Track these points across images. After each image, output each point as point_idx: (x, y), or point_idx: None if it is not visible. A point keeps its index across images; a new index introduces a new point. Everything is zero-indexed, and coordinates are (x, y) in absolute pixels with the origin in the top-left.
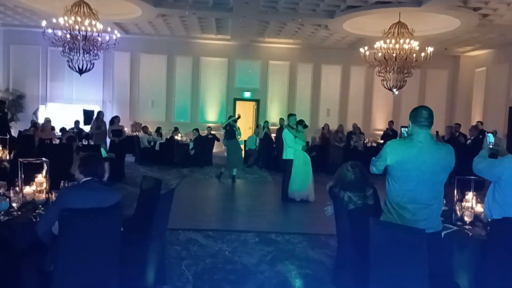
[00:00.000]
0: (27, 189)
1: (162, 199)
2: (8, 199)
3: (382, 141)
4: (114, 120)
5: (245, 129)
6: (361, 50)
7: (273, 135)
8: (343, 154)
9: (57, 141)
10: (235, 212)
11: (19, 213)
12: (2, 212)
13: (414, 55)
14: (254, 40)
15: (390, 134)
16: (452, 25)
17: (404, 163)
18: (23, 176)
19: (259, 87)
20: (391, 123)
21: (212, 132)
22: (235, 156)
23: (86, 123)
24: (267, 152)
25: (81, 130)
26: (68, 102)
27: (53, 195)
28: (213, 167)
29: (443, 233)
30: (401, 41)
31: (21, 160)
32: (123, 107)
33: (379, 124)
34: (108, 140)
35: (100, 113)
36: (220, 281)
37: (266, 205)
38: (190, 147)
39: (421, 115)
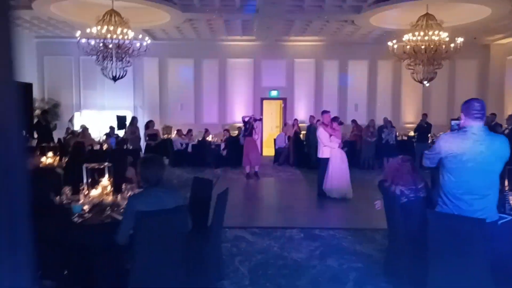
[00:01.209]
0: (93, 192)
1: (219, 198)
2: (78, 202)
3: (415, 134)
4: (149, 124)
5: (272, 127)
6: (389, 43)
7: (303, 133)
8: (374, 149)
9: (98, 147)
10: (275, 209)
11: (90, 215)
12: (76, 215)
13: (443, 46)
14: (279, 39)
15: (424, 126)
16: (482, 13)
17: (459, 156)
18: (89, 180)
19: (286, 85)
20: (424, 115)
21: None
22: (252, 154)
23: (119, 128)
24: (297, 150)
25: (117, 135)
26: (101, 109)
27: (119, 197)
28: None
29: (499, 223)
30: (430, 32)
31: (87, 165)
32: (153, 111)
33: (409, 118)
34: (142, 144)
35: (134, 119)
36: (275, 276)
37: (304, 202)
38: (222, 148)
39: (473, 107)
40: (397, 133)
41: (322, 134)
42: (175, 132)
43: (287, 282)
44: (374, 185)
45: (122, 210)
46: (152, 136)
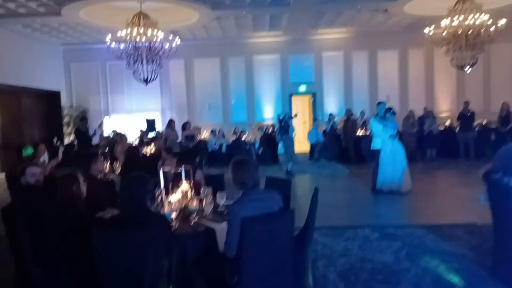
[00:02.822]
0: (173, 198)
1: (313, 199)
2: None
3: (458, 123)
4: (186, 125)
5: (300, 124)
6: (426, 31)
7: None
8: (416, 140)
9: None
10: (332, 207)
11: (178, 222)
12: None
13: (482, 30)
14: (306, 33)
15: (467, 115)
16: None
17: None
18: (170, 184)
19: (314, 80)
20: (466, 103)
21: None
22: (289, 151)
23: (150, 131)
24: (334, 145)
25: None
26: (129, 113)
27: (203, 202)
28: (280, 165)
29: None
30: (470, 16)
31: (164, 169)
32: (181, 112)
33: (443, 106)
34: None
35: (172, 122)
36: (370, 282)
37: (360, 199)
38: (257, 146)
39: None
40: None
41: (373, 125)
42: (208, 132)
43: None
44: (425, 177)
45: (209, 217)
46: (189, 137)
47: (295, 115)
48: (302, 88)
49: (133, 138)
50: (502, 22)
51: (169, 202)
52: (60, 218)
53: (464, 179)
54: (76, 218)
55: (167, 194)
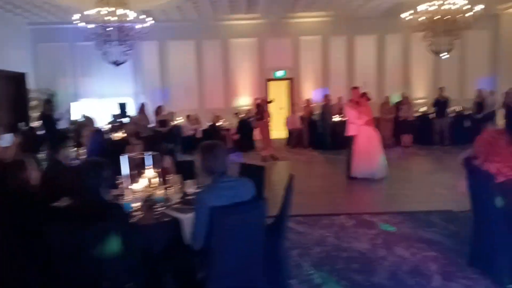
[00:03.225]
0: (136, 186)
1: (288, 186)
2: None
3: (434, 110)
4: (159, 110)
5: (277, 109)
6: (403, 16)
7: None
8: (392, 127)
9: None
10: (309, 194)
11: (142, 213)
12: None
13: (459, 15)
14: (283, 17)
15: (442, 101)
16: None
17: None
18: (135, 171)
19: (292, 65)
20: (441, 89)
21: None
22: (266, 137)
23: (122, 116)
24: (312, 131)
25: (122, 123)
26: (100, 97)
27: (171, 190)
28: (257, 151)
29: None
30: (447, 1)
31: (129, 155)
32: (155, 97)
33: (419, 93)
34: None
35: (142, 105)
36: (346, 271)
37: (336, 185)
38: (233, 132)
39: None
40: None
41: (348, 111)
42: (183, 117)
43: (364, 278)
44: (401, 163)
45: (176, 206)
46: (162, 122)
47: (271, 101)
48: (280, 73)
49: (104, 123)
50: (479, 8)
51: (132, 191)
52: (5, 207)
53: (439, 165)
54: (23, 207)
55: (132, 182)
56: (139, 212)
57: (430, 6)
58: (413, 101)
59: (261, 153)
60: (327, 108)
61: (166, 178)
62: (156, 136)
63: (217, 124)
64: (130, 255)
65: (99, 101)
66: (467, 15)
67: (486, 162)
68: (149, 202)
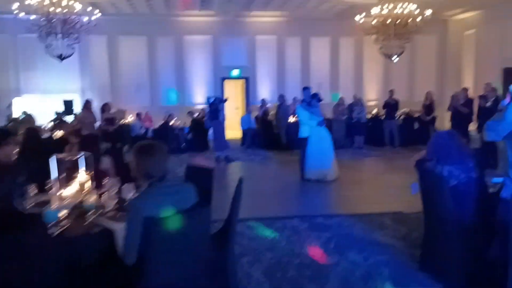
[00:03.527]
0: (67, 191)
1: (237, 191)
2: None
3: (384, 111)
4: (105, 107)
5: (232, 109)
6: (356, 18)
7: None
8: (345, 128)
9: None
10: (262, 197)
11: (70, 222)
12: (51, 224)
13: (410, 20)
14: (239, 15)
15: (392, 103)
16: None
17: None
18: (64, 174)
19: (247, 64)
20: (391, 92)
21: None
22: (220, 137)
23: (67, 113)
24: (266, 132)
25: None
26: (44, 93)
27: (104, 196)
28: (212, 152)
29: None
30: (399, 5)
31: (58, 156)
32: (104, 94)
33: (371, 95)
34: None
35: (88, 102)
36: (297, 279)
37: (290, 187)
38: (186, 131)
39: None
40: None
41: (300, 112)
42: (133, 115)
43: (316, 286)
44: (353, 165)
45: (110, 214)
46: (109, 120)
47: (226, 99)
48: (235, 72)
49: (47, 120)
50: (428, 12)
51: (61, 197)
52: None
53: (390, 167)
54: None
55: (61, 186)
56: (66, 222)
57: (382, 9)
58: (366, 103)
59: (215, 153)
60: (282, 109)
61: (102, 182)
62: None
63: (169, 123)
64: (49, 271)
65: (43, 97)
66: (417, 19)
67: (438, 165)
68: (79, 209)
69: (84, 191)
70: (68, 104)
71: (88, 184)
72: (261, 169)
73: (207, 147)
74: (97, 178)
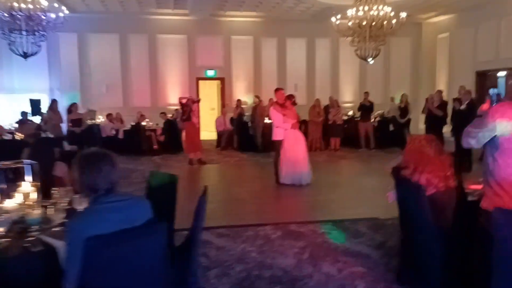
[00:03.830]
0: (8, 203)
1: (201, 201)
2: None
3: (359, 113)
4: (72, 108)
5: (208, 110)
6: (333, 19)
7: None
8: (321, 130)
9: (9, 136)
10: (234, 202)
11: (8, 240)
12: None
13: (385, 22)
14: (214, 14)
15: (367, 105)
16: None
17: None
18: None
19: (223, 64)
20: (366, 94)
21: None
22: (193, 139)
23: (34, 114)
24: (242, 133)
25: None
26: (9, 92)
27: (49, 210)
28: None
29: None
30: (374, 7)
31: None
32: (73, 94)
33: (347, 97)
34: (64, 131)
35: (54, 102)
36: None
37: (264, 192)
38: (159, 133)
39: None
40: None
41: (274, 114)
42: (103, 116)
43: None
44: (329, 168)
45: (56, 230)
46: (76, 121)
47: (199, 100)
48: (210, 72)
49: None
50: (403, 15)
51: (1, 210)
52: None
53: (366, 169)
54: None
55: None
56: (4, 240)
57: (358, 11)
58: (342, 104)
59: (188, 156)
60: (258, 110)
61: (62, 192)
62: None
63: (141, 124)
64: None
65: (8, 97)
66: (393, 22)
67: (416, 173)
68: (19, 225)
69: (27, 203)
70: (35, 104)
71: (34, 195)
72: (235, 172)
73: (181, 149)
74: (47, 187)
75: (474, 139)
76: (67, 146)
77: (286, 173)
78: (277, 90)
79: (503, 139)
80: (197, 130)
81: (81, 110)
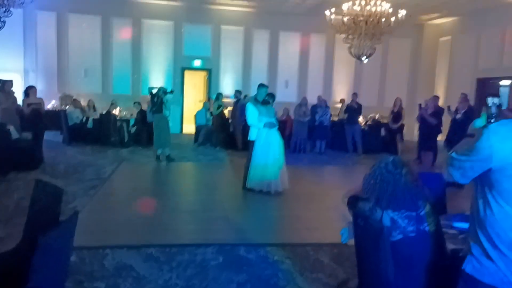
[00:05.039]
0: None
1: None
2: None
3: (345, 116)
4: (29, 91)
5: (195, 102)
6: (327, 13)
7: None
8: (307, 130)
9: None
10: (184, 212)
11: None
12: None
13: (384, 19)
14: (204, 1)
15: (354, 107)
16: None
17: None
18: None
19: (211, 55)
20: (354, 95)
21: None
22: (162, 133)
23: None
24: (222, 129)
25: None
26: None
27: None
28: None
29: None
30: (372, 2)
31: None
32: (50, 77)
33: (340, 97)
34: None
35: (6, 83)
36: None
37: (225, 200)
38: (131, 124)
39: None
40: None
41: (249, 110)
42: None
43: None
44: (309, 174)
45: None
46: (33, 106)
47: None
48: (197, 62)
49: None
50: (403, 12)
51: None
52: None
53: (347, 179)
54: None
55: None
56: None
57: (354, 5)
58: (333, 105)
59: (156, 151)
60: (239, 106)
61: None
62: None
63: (112, 113)
64: None
65: None
66: (391, 19)
67: (378, 208)
68: None
69: None
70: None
71: None
72: (202, 174)
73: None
74: None
75: (458, 171)
76: (15, 134)
77: (254, 178)
78: (260, 86)
79: (503, 175)
80: (166, 123)
81: (57, 95)
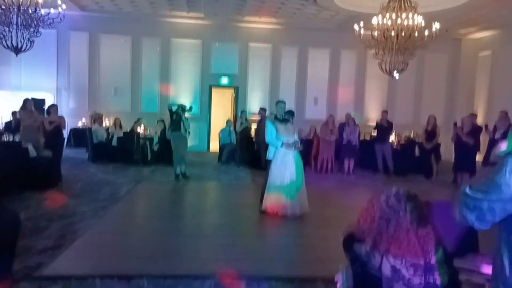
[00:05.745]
0: None
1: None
2: None
3: (375, 135)
4: (51, 109)
5: (222, 120)
6: (355, 27)
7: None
8: (334, 150)
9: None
10: (191, 237)
11: None
12: None
13: (416, 33)
14: (231, 19)
15: (385, 126)
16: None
17: None
18: None
19: (238, 72)
20: (384, 113)
21: None
22: (177, 151)
23: None
24: (246, 148)
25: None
26: (15, 90)
27: None
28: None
29: None
30: (403, 15)
31: None
32: (81, 95)
33: (373, 114)
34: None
35: (28, 102)
36: None
37: (237, 224)
38: (154, 142)
39: None
40: (360, 132)
41: (268, 129)
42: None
43: None
44: (333, 196)
45: None
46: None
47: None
48: (225, 80)
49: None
50: (437, 26)
51: None
52: None
53: None
54: None
55: None
56: None
57: (384, 18)
58: (365, 122)
59: (175, 171)
60: (263, 123)
61: None
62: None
63: (136, 131)
64: None
65: (13, 95)
66: (425, 33)
67: (375, 253)
68: None
69: None
70: (38, 104)
71: None
72: (220, 193)
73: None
74: None
75: (473, 213)
76: (33, 152)
77: (269, 200)
78: (278, 102)
79: None
80: (184, 141)
81: (87, 113)
